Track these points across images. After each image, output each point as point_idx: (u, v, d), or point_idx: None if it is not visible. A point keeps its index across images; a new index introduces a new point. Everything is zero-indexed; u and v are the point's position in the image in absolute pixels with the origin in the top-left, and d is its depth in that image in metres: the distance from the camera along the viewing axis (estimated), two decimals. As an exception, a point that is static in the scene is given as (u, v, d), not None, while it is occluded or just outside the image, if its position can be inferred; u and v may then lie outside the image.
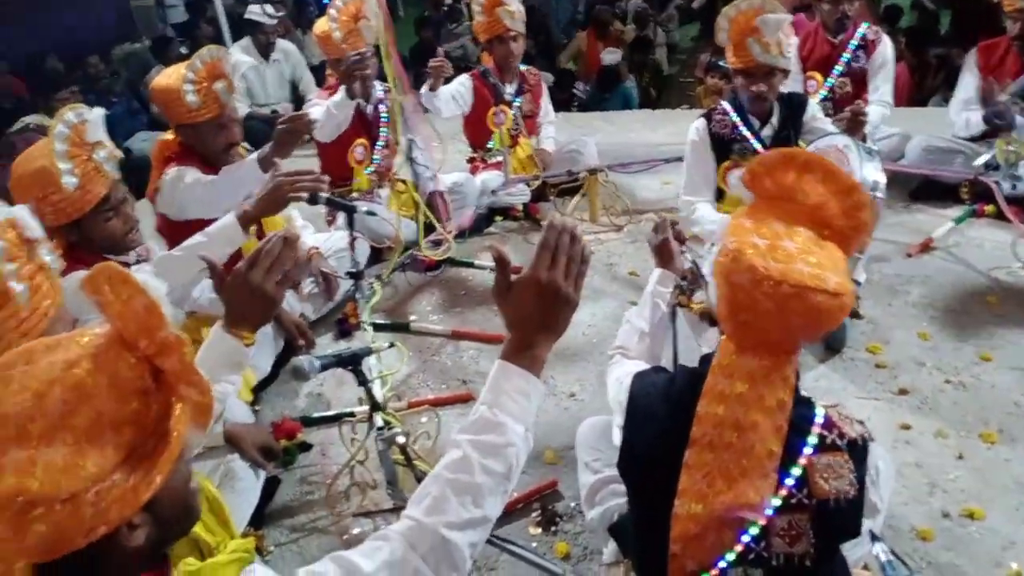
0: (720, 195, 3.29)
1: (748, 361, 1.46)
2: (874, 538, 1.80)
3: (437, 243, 3.88)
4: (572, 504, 2.44)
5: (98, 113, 2.31)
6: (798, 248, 1.40)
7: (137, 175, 3.33)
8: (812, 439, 1.48)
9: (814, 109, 3.30)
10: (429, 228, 3.85)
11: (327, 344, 3.34)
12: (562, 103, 6.62)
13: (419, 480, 2.20)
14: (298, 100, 6.02)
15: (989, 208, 3.83)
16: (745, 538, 1.46)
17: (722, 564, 1.48)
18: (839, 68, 4.03)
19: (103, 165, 2.30)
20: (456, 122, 4.48)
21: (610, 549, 2.07)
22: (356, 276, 3.27)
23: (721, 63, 4.87)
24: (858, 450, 1.49)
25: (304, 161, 4.04)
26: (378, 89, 4.02)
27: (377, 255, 3.86)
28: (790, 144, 3.08)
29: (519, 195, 4.33)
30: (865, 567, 1.94)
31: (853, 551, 1.71)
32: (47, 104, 6.22)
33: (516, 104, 4.36)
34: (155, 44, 8.42)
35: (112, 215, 2.36)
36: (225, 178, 2.77)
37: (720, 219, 3.09)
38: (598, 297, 3.53)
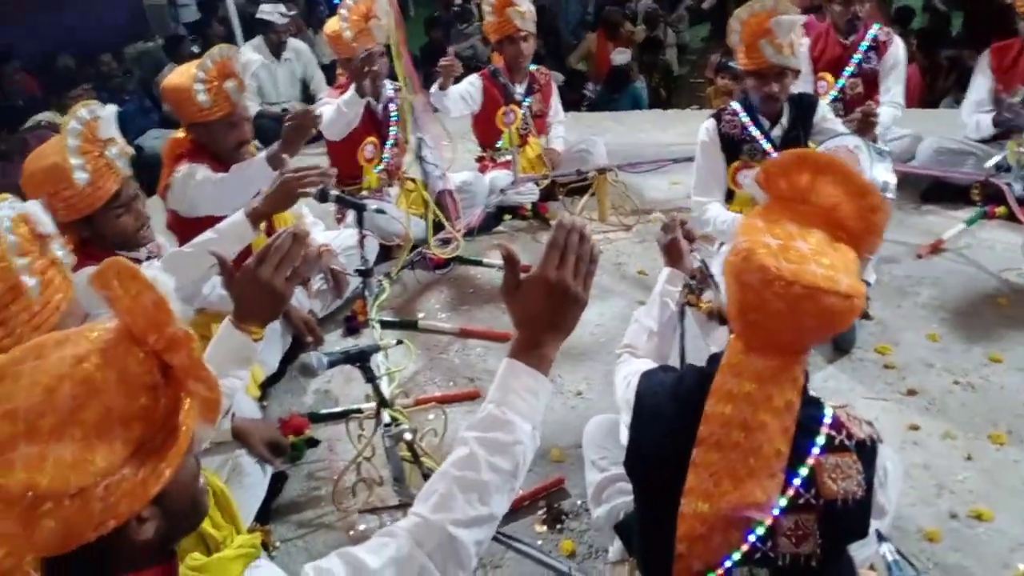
0: (730, 195, 3.29)
1: (757, 361, 1.45)
2: (881, 538, 1.79)
3: (446, 241, 3.90)
4: (578, 502, 2.44)
5: (111, 110, 2.32)
6: (811, 249, 1.38)
7: (148, 172, 3.35)
8: (820, 439, 1.48)
9: (824, 110, 3.28)
10: (438, 226, 3.87)
11: (335, 341, 3.35)
12: (572, 103, 6.61)
13: (426, 477, 2.21)
14: (309, 99, 6.05)
15: (1000, 210, 3.82)
16: (751, 538, 1.46)
17: (728, 564, 1.48)
18: (850, 69, 4.01)
19: (115, 162, 2.31)
20: (466, 121, 4.48)
21: (615, 547, 2.06)
22: (365, 273, 3.30)
23: (731, 64, 4.85)
24: (866, 451, 1.49)
25: (314, 159, 4.07)
26: (388, 88, 4.03)
27: (386, 253, 3.86)
28: (800, 145, 3.07)
29: (528, 194, 4.33)
30: (872, 567, 1.93)
31: (860, 551, 1.70)
32: (60, 102, 6.24)
33: (526, 104, 4.35)
34: (167, 43, 8.45)
35: (123, 211, 2.37)
36: (235, 176, 2.79)
37: (733, 218, 3.10)
38: (606, 296, 3.53)
